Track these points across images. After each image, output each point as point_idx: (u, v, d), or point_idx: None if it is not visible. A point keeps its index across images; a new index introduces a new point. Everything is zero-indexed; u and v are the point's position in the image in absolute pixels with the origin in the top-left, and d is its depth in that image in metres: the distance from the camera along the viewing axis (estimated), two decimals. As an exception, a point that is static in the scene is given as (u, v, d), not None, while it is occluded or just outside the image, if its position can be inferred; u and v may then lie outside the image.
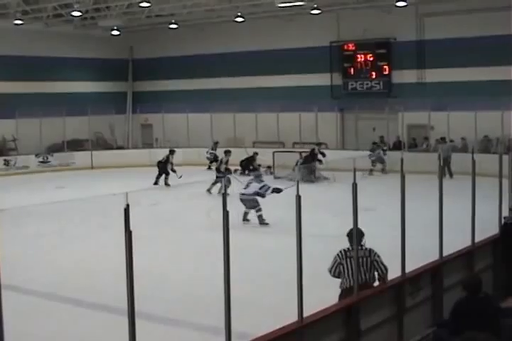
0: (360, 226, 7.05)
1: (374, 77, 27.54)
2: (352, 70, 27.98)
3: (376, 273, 7.55)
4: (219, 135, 28.57)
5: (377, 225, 12.28)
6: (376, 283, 7.58)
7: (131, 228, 4.75)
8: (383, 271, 7.50)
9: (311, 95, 27.81)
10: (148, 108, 31.73)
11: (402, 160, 7.43)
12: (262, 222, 15.56)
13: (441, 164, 22.01)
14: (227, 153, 21.81)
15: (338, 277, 7.59)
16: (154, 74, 32.88)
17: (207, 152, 26.60)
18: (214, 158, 25.35)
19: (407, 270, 7.60)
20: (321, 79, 28.30)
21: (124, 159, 28.50)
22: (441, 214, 8.18)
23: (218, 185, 20.08)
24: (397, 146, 25.94)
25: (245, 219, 15.78)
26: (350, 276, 7.40)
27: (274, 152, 25.05)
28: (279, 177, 22.46)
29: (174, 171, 22.51)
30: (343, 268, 7.50)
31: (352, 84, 27.97)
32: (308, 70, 28.42)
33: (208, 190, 20.14)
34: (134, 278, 4.81)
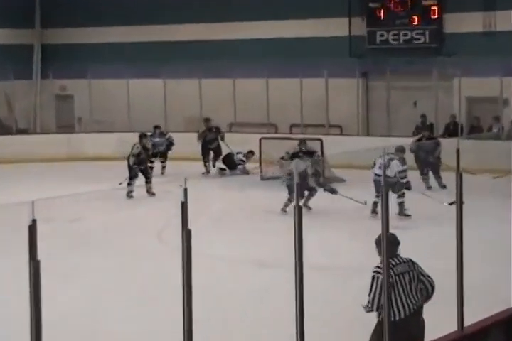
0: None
1: (416, 23, 27.67)
2: (382, 13, 28.10)
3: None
4: (176, 112, 28.48)
5: (417, 251, 12.28)
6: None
7: (40, 256, 4.74)
8: (431, 283, 7.98)
9: (318, 52, 27.85)
10: (66, 70, 31.44)
11: (458, 151, 7.48)
12: (402, 211, 17.39)
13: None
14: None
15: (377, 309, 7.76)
16: (74, 18, 32.68)
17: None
18: (163, 151, 25.50)
19: (467, 322, 7.66)
20: (334, 28, 28.43)
21: (30, 149, 28.41)
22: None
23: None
24: (452, 131, 26.01)
25: (374, 211, 17.32)
26: (404, 301, 7.79)
27: (261, 139, 25.05)
28: (267, 179, 22.38)
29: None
30: (394, 291, 7.76)
31: (382, 35, 28.09)
32: (314, 14, 28.49)
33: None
34: (42, 329, 4.81)
